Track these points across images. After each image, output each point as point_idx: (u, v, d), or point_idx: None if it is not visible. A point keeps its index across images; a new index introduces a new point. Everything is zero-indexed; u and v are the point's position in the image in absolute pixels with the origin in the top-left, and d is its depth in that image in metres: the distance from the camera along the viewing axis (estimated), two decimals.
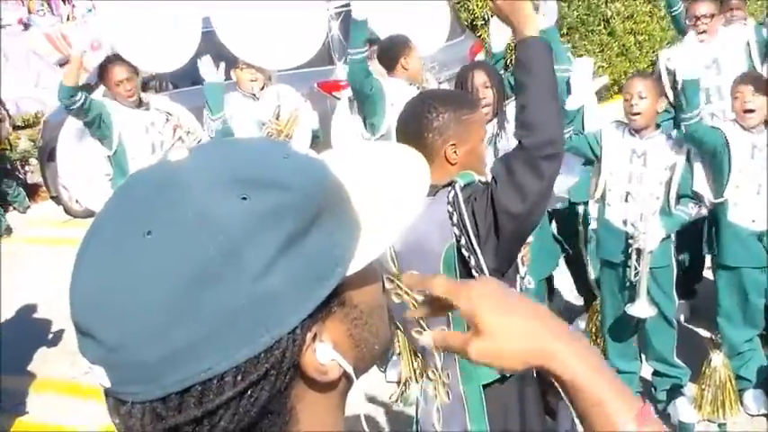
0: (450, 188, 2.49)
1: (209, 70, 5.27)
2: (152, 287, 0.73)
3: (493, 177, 2.45)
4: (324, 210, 0.79)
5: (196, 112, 5.86)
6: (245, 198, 0.75)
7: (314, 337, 0.79)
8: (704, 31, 5.26)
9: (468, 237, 2.43)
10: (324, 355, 0.80)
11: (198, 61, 5.33)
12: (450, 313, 2.47)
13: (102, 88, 5.78)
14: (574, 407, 0.92)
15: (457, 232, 2.45)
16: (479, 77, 4.29)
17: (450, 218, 2.45)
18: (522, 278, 2.62)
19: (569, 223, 5.29)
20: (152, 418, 0.76)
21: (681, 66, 4.22)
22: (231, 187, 0.76)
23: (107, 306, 0.74)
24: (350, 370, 0.83)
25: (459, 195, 2.45)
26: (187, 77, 7.29)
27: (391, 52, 5.18)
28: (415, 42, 5.33)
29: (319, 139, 5.81)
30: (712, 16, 5.29)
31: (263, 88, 5.63)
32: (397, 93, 4.94)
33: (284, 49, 5.60)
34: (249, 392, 0.75)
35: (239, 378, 0.74)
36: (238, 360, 0.74)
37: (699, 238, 4.72)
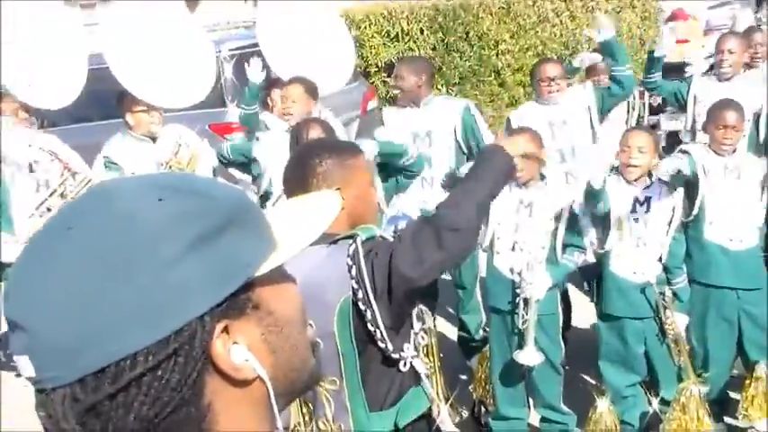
0: (350, 240, 2.50)
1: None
2: (69, 274, 0.80)
3: (399, 236, 2.49)
4: (235, 219, 0.87)
5: (79, 151, 5.78)
6: (161, 199, 0.84)
7: (225, 329, 0.85)
8: (553, 93, 5.45)
9: (366, 291, 2.44)
10: (237, 355, 0.86)
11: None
12: (341, 364, 2.48)
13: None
14: None
15: (355, 286, 2.46)
16: (315, 134, 4.25)
17: (349, 271, 2.46)
18: (417, 334, 2.64)
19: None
20: (71, 401, 0.81)
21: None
22: (151, 191, 0.85)
23: (29, 294, 0.82)
24: (263, 373, 0.88)
25: (360, 249, 2.47)
26: (67, 116, 7.12)
27: None
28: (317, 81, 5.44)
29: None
30: (558, 78, 5.49)
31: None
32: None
33: (176, 89, 5.57)
34: (159, 372, 0.81)
35: (150, 357, 0.80)
36: (149, 341, 0.80)
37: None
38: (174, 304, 0.81)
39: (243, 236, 0.87)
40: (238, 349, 0.86)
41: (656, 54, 5.76)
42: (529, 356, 4.23)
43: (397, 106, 5.69)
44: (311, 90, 5.32)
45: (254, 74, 5.43)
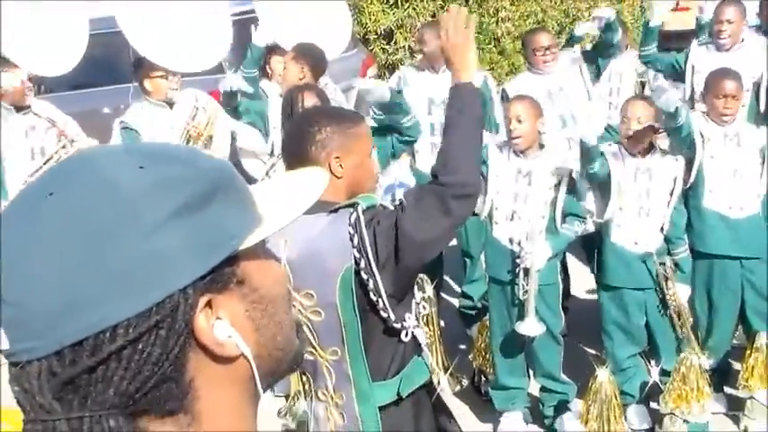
0: (351, 209, 2.47)
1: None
2: (48, 242, 0.78)
3: (401, 203, 2.47)
4: (220, 190, 0.85)
5: (76, 118, 5.72)
6: (142, 167, 0.82)
7: (208, 304, 0.82)
8: (548, 62, 5.44)
9: (368, 260, 2.43)
10: (221, 330, 0.84)
11: None
12: (344, 334, 2.46)
13: None
14: None
15: (357, 255, 2.44)
16: (309, 101, 4.18)
17: (351, 239, 2.44)
18: (418, 303, 2.63)
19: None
20: (47, 374, 0.78)
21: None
22: (132, 159, 0.83)
23: (8, 263, 0.79)
24: (247, 350, 0.86)
25: (361, 218, 2.44)
26: (65, 82, 7.07)
27: None
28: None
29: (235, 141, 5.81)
30: (552, 47, 5.49)
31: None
32: None
33: (191, 52, 5.50)
34: (140, 346, 0.78)
35: (130, 330, 0.78)
36: (130, 312, 0.78)
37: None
38: (156, 274, 0.79)
39: (228, 207, 0.85)
40: (222, 325, 0.84)
41: (650, 24, 5.72)
42: (530, 327, 4.23)
43: (416, 68, 5.68)
44: (304, 56, 5.16)
45: (260, 37, 5.33)
